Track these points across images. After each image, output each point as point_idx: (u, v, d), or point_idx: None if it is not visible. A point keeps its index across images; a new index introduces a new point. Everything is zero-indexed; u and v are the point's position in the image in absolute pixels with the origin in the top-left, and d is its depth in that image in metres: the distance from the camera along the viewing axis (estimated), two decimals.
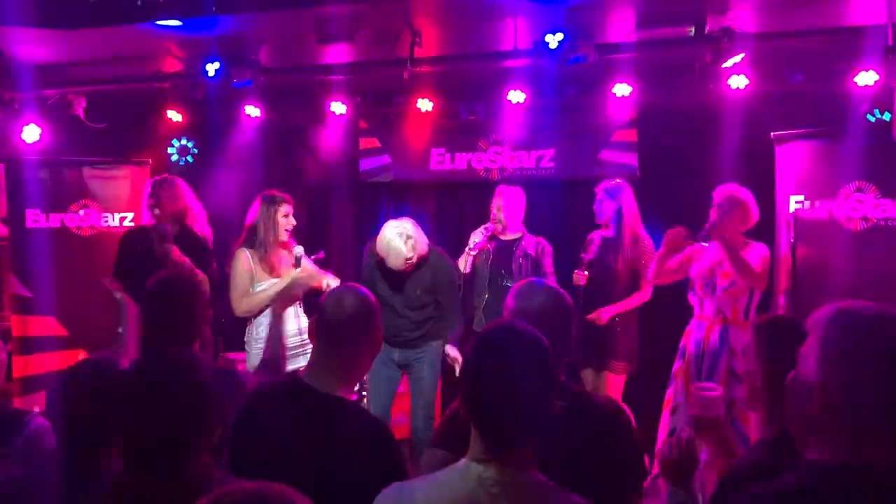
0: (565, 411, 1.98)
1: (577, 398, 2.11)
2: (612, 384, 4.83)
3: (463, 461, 1.67)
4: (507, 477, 1.61)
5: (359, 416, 2.18)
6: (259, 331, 4.44)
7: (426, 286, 4.41)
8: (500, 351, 1.65)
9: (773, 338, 2.06)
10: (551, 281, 4.95)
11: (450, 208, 6.44)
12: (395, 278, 4.39)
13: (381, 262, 4.33)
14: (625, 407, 2.22)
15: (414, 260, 4.23)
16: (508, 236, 5.03)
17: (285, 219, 4.48)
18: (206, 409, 1.77)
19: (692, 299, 4.35)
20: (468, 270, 4.95)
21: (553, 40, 4.28)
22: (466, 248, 4.90)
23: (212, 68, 4.81)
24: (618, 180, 5.03)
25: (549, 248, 5.03)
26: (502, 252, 4.98)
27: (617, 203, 4.86)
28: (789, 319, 2.21)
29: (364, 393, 4.85)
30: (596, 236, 4.96)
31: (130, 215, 5.74)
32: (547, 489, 1.65)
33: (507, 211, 4.96)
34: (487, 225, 4.92)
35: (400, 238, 4.17)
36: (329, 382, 2.16)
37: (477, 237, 4.87)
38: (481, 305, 4.97)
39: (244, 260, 4.43)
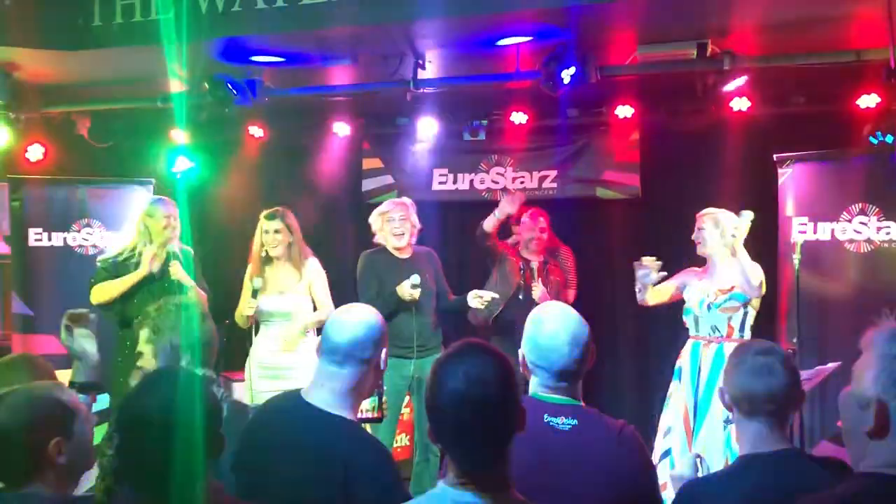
0: (574, 429, 2.03)
1: (587, 415, 2.10)
2: None
3: (439, 485, 1.65)
4: (484, 500, 1.59)
5: (357, 436, 2.16)
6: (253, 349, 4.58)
7: (430, 271, 4.51)
8: (457, 377, 1.62)
9: (735, 358, 2.08)
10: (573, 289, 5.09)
11: (453, 229, 6.43)
12: (393, 268, 4.48)
13: (380, 261, 4.51)
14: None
15: (408, 217, 4.48)
16: (538, 256, 5.03)
17: (265, 235, 4.54)
18: (215, 428, 1.74)
19: (687, 320, 4.34)
20: (490, 230, 4.93)
21: (567, 75, 4.29)
22: (496, 212, 4.89)
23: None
24: None
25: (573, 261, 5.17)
26: (533, 270, 5.02)
27: None
28: (754, 341, 2.24)
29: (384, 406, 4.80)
30: None
31: None
32: None
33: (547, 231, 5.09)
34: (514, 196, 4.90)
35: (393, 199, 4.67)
36: (333, 402, 2.15)
37: (511, 201, 4.86)
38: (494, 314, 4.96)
39: (246, 276, 4.60)
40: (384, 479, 2.04)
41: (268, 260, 4.55)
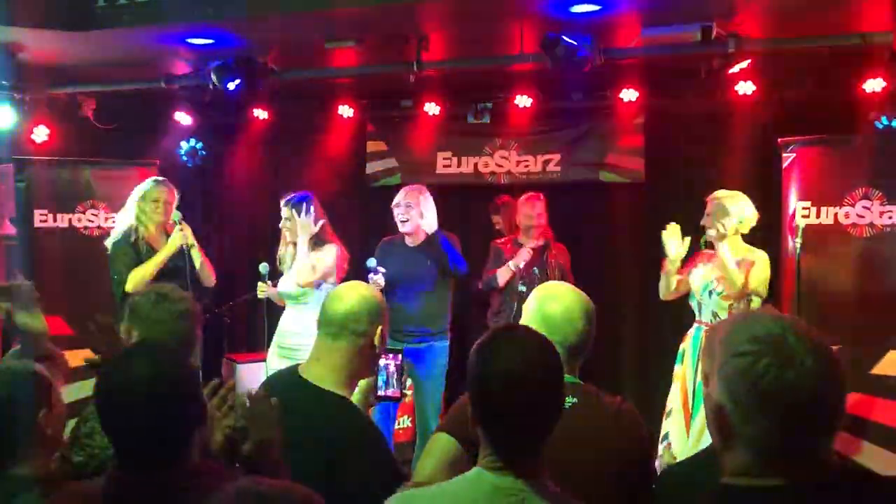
0: (575, 406, 2.03)
1: (586, 393, 2.13)
2: None
3: (474, 470, 1.63)
4: (523, 486, 1.58)
5: (345, 413, 2.16)
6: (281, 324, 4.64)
7: (435, 257, 4.56)
8: (509, 358, 1.60)
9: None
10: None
11: (456, 212, 6.44)
12: (404, 256, 4.58)
13: (388, 247, 4.65)
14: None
15: (414, 204, 4.54)
16: (531, 243, 5.04)
17: (284, 221, 4.61)
18: (195, 399, 1.75)
19: (692, 304, 4.36)
20: (502, 285, 5.00)
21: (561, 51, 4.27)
22: (510, 264, 4.95)
23: (232, 85, 4.83)
24: None
25: (567, 256, 5.16)
26: (532, 256, 5.01)
27: None
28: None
29: (407, 391, 4.83)
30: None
31: None
32: (563, 499, 1.63)
33: (544, 217, 5.07)
34: (532, 246, 4.95)
35: (409, 185, 4.73)
36: (327, 377, 2.17)
37: (526, 256, 4.92)
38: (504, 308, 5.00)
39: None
40: (370, 457, 2.05)
41: (292, 243, 4.62)
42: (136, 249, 4.47)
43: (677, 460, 4.03)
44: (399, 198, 4.66)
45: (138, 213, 4.52)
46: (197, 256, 4.51)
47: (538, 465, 1.62)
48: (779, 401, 1.23)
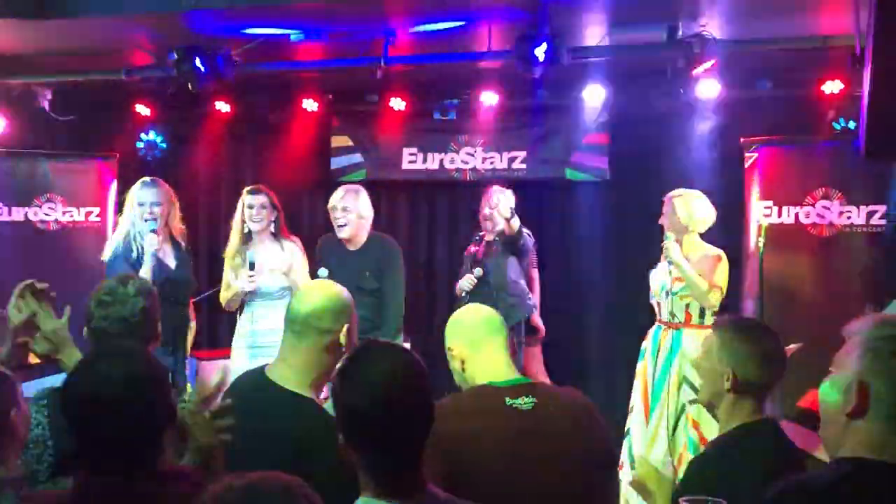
0: (536, 406, 2.06)
1: (542, 390, 2.18)
2: (534, 356, 5.25)
3: (360, 500, 1.62)
4: None
5: (310, 414, 2.12)
6: (238, 327, 4.48)
7: (373, 269, 4.37)
8: (382, 374, 1.59)
9: (743, 339, 2.09)
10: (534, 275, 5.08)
11: (422, 208, 6.43)
12: (341, 258, 4.39)
13: (329, 249, 4.47)
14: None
15: (351, 208, 4.36)
16: (490, 236, 5.02)
17: (249, 210, 4.42)
18: (163, 400, 1.72)
19: (652, 304, 4.38)
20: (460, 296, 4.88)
21: (540, 52, 4.25)
22: (456, 288, 4.88)
23: (191, 76, 4.71)
24: None
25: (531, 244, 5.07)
26: (482, 248, 4.98)
27: None
28: (754, 321, 2.26)
29: None
30: None
31: (96, 210, 5.65)
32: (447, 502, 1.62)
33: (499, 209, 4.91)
34: (476, 274, 4.82)
35: (345, 187, 4.52)
36: (293, 378, 2.14)
37: (467, 286, 4.79)
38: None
39: (225, 253, 4.48)
40: (336, 458, 2.02)
41: (248, 238, 4.48)
42: (133, 265, 4.04)
43: (639, 454, 4.09)
44: (334, 203, 4.45)
45: (133, 219, 4.18)
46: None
47: (419, 480, 1.60)
48: None
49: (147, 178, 4.31)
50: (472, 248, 5.05)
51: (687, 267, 4.07)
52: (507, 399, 2.06)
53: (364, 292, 4.30)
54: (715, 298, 4.09)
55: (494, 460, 1.92)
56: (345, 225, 4.40)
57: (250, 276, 4.25)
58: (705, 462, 2.09)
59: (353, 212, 4.39)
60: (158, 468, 1.67)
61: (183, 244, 4.29)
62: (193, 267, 4.47)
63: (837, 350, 1.55)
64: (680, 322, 4.19)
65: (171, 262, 4.17)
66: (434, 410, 1.62)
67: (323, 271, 4.31)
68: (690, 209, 4.19)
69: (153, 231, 4.04)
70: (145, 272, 3.92)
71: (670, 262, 4.11)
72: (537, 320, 5.26)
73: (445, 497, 1.62)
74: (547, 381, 5.16)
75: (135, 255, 4.10)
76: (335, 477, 1.90)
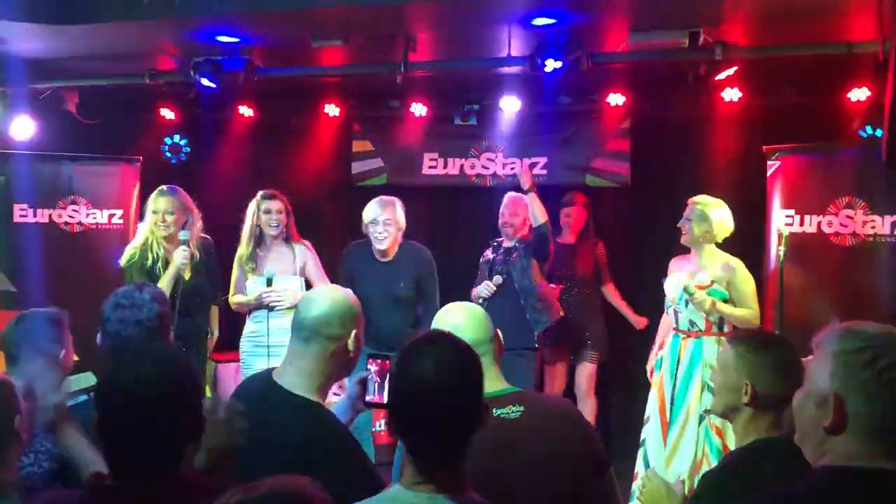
0: (523, 414, 2.08)
1: (528, 397, 2.19)
2: (587, 372, 5.31)
3: (393, 488, 1.62)
4: (440, 500, 1.55)
5: (318, 419, 2.12)
6: (246, 329, 4.54)
7: (410, 278, 4.42)
8: (435, 363, 1.58)
9: (761, 351, 2.07)
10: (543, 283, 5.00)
11: (442, 213, 6.43)
12: (373, 267, 4.43)
13: (358, 259, 4.47)
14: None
15: (392, 220, 4.36)
16: (509, 243, 5.01)
17: (266, 215, 4.47)
18: (194, 405, 1.70)
19: (668, 312, 4.34)
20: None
21: (550, 66, 4.26)
22: (473, 294, 4.87)
23: (210, 82, 4.77)
24: None
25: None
26: (501, 256, 4.97)
27: None
28: (771, 333, 2.23)
29: None
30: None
31: (119, 212, 5.71)
32: None
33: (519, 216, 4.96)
34: (495, 282, 4.80)
35: (381, 199, 4.47)
36: (299, 383, 2.13)
37: (486, 292, 4.78)
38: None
39: (237, 253, 4.53)
40: (344, 464, 2.02)
41: (259, 242, 4.52)
42: (147, 273, 4.15)
43: (651, 468, 4.05)
44: (374, 217, 4.41)
45: (151, 226, 4.26)
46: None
47: (459, 478, 1.59)
48: None
49: (164, 187, 4.37)
50: (489, 255, 5.03)
51: (729, 310, 4.07)
52: (495, 410, 2.01)
53: (398, 301, 4.40)
54: (758, 319, 4.11)
55: (481, 473, 1.90)
56: (386, 237, 4.40)
57: (266, 293, 4.32)
58: (720, 479, 2.04)
59: (393, 225, 4.40)
60: (179, 476, 1.65)
61: (197, 254, 4.30)
62: (215, 272, 4.52)
63: None
64: (700, 330, 4.15)
65: (186, 273, 4.19)
66: (485, 409, 1.62)
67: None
68: (718, 218, 4.16)
69: (184, 243, 4.12)
70: (164, 283, 3.99)
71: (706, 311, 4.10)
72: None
73: (481, 500, 1.61)
74: (592, 399, 5.27)
75: (149, 262, 4.17)
76: (344, 481, 1.91)
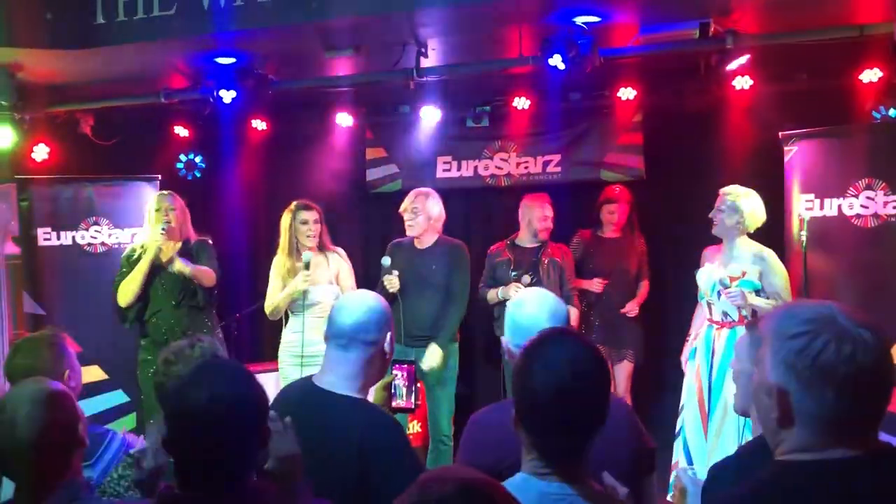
0: None
1: None
2: (626, 372, 5.28)
3: (519, 476, 1.64)
4: (570, 491, 1.59)
5: (370, 414, 2.18)
6: (283, 339, 4.68)
7: (440, 265, 4.60)
8: (561, 366, 1.60)
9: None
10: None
11: (457, 216, 6.43)
12: (409, 256, 4.65)
13: (401, 247, 4.74)
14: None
15: (420, 209, 4.60)
16: (530, 243, 5.03)
17: (304, 226, 4.56)
18: (261, 421, 1.74)
19: (702, 303, 4.34)
20: (491, 303, 5.02)
21: (558, 61, 4.29)
22: (499, 294, 4.93)
23: (227, 96, 4.85)
24: None
25: (571, 257, 5.09)
26: (525, 256, 4.98)
27: None
28: None
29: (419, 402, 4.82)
30: None
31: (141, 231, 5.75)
32: (609, 500, 1.65)
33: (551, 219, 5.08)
34: (524, 283, 4.85)
35: (416, 190, 4.78)
36: (341, 385, 2.19)
37: (512, 294, 4.75)
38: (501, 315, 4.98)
39: (274, 264, 4.69)
40: (399, 455, 2.08)
41: (296, 251, 4.61)
42: (133, 263, 4.61)
43: (691, 454, 4.05)
44: (405, 205, 4.73)
45: (153, 224, 4.59)
46: (184, 269, 4.51)
47: (582, 468, 1.63)
48: (839, 373, 1.28)
49: (164, 192, 4.78)
50: (507, 255, 5.05)
51: (763, 303, 4.09)
52: None
53: (431, 287, 4.57)
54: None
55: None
56: (413, 225, 4.64)
57: (306, 276, 4.42)
58: (730, 467, 2.02)
59: (421, 213, 4.63)
60: (248, 486, 1.69)
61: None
62: (234, 281, 4.65)
63: None
64: (733, 321, 4.16)
65: (165, 255, 4.53)
66: (609, 404, 1.64)
67: (386, 259, 4.62)
68: (749, 208, 4.17)
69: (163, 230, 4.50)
70: (143, 265, 4.53)
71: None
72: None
73: (600, 490, 1.64)
74: (628, 398, 5.23)
75: (135, 257, 4.58)
76: (404, 473, 1.95)
